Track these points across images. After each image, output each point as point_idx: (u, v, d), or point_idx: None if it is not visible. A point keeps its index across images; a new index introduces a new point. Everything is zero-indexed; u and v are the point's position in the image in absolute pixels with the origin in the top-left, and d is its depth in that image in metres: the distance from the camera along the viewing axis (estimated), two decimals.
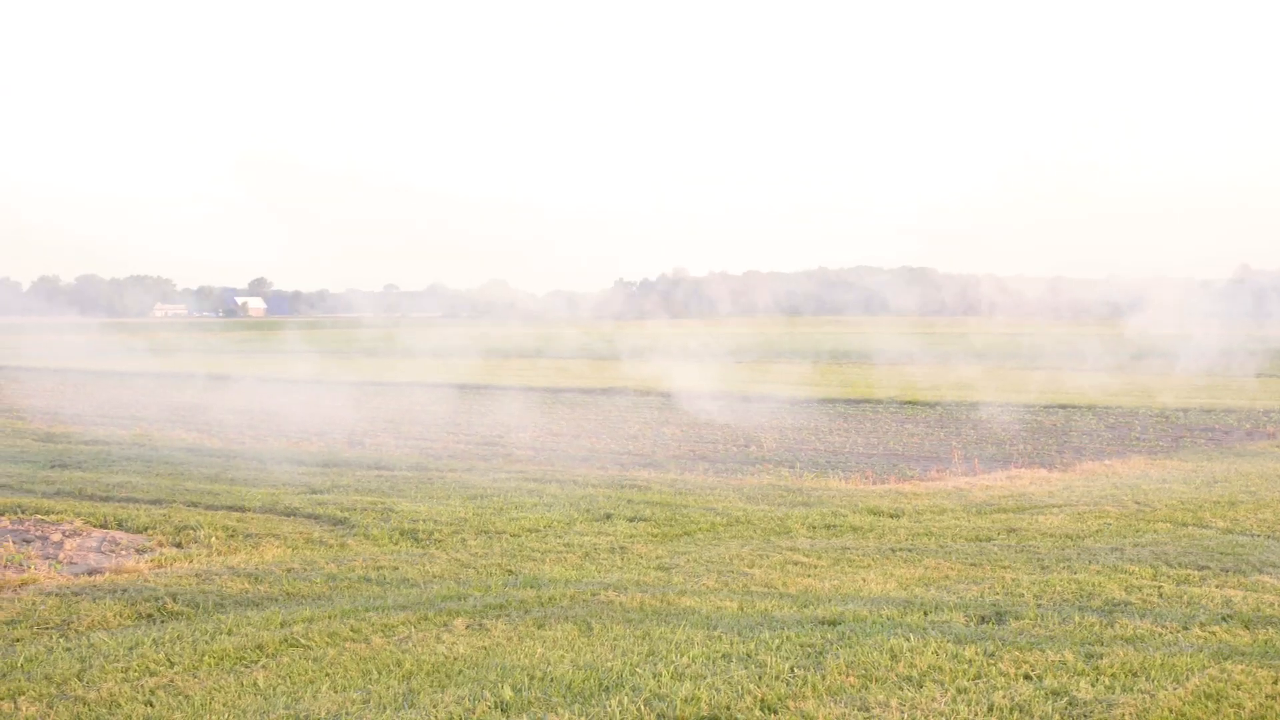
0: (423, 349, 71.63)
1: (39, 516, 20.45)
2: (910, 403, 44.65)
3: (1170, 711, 9.60)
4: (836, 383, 54.43)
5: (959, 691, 10.06)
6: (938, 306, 68.16)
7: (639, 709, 9.68)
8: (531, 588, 14.66)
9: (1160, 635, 11.94)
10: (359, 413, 41.15)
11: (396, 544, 18.28)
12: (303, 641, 12.14)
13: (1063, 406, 42.63)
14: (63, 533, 19.17)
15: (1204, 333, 59.75)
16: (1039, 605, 13.27)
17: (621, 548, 17.63)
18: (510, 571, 15.96)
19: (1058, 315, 62.35)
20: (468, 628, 12.61)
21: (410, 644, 12.01)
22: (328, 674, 11.03)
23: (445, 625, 12.74)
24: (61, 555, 17.48)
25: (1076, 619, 12.56)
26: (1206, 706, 9.73)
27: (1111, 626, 12.26)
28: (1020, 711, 9.57)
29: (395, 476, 25.47)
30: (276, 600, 14.40)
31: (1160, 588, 14.20)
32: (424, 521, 19.77)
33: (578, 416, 40.29)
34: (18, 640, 12.69)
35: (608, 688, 10.31)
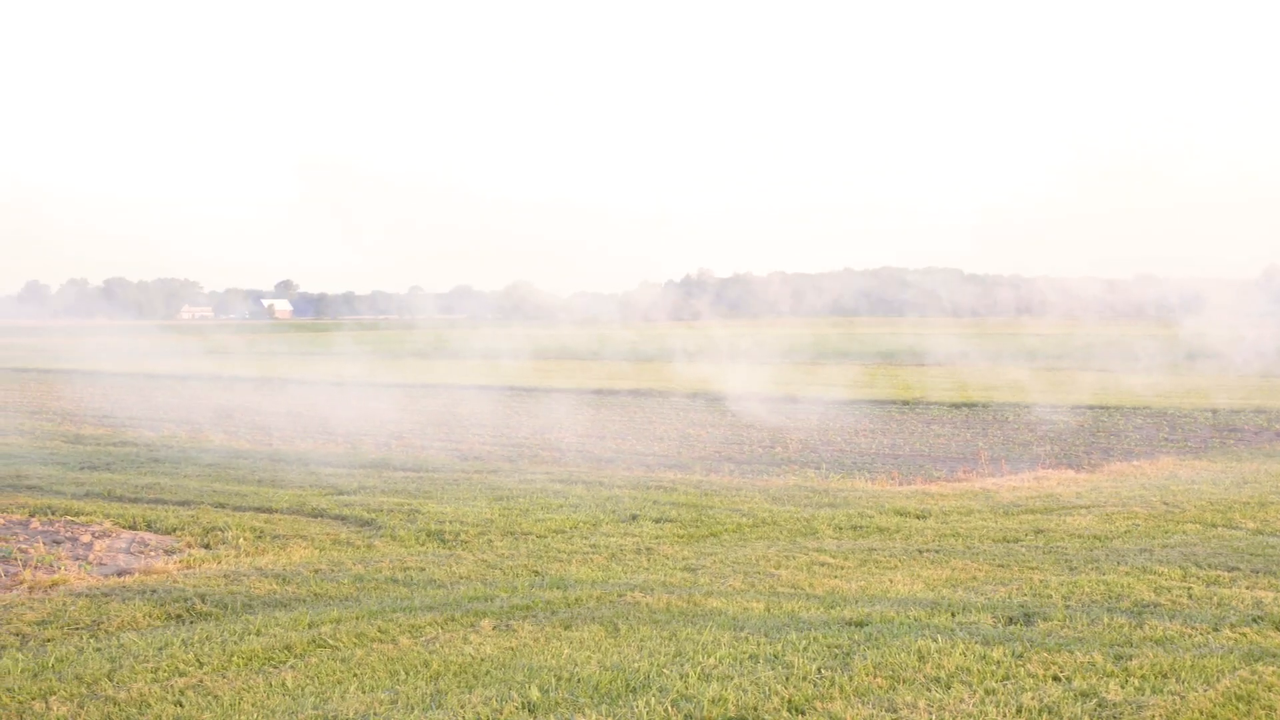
0: (454, 351, 71.74)
1: (69, 518, 20.60)
2: (955, 404, 44.28)
3: (1200, 713, 9.54)
4: (886, 384, 53.83)
5: (987, 693, 10.02)
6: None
7: (666, 710, 9.67)
8: (558, 589, 14.68)
9: (1190, 637, 11.86)
10: (391, 415, 41.24)
11: (423, 545, 18.33)
12: (330, 642, 12.19)
13: (1106, 408, 42.03)
14: (92, 534, 19.30)
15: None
16: (1067, 606, 13.21)
17: (648, 549, 17.64)
18: (537, 573, 15.98)
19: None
20: (495, 629, 12.64)
21: (437, 645, 12.04)
22: (355, 674, 11.07)
23: (472, 626, 12.77)
24: (91, 556, 17.60)
25: (1105, 620, 12.50)
26: (1237, 708, 9.67)
27: (1140, 628, 12.19)
28: (1049, 713, 9.53)
29: (422, 478, 25.55)
30: (304, 601, 14.46)
31: (1190, 589, 14.11)
32: (450, 523, 19.82)
33: (603, 418, 40.30)
34: (49, 640, 12.78)
35: (635, 689, 10.31)
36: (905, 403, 45.17)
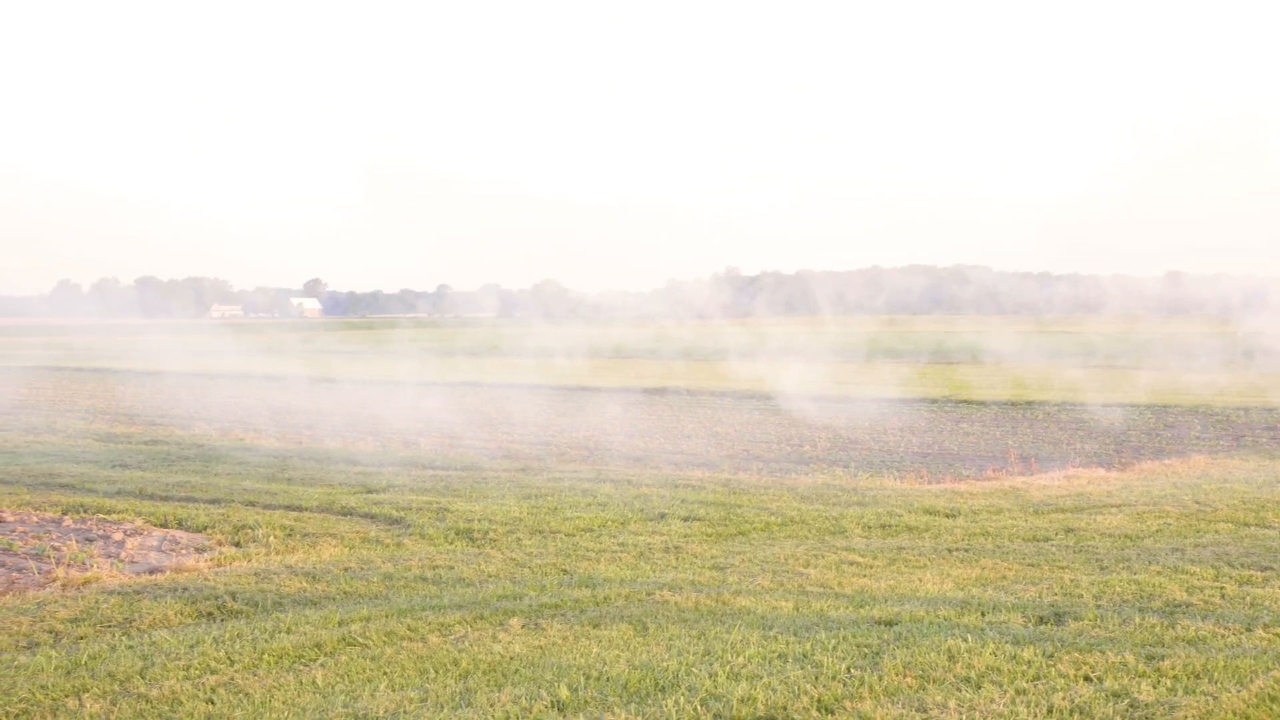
0: (490, 349, 71.61)
1: (101, 515, 20.75)
2: (1001, 403, 43.74)
3: (1234, 714, 9.46)
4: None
5: (1018, 693, 9.97)
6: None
7: (695, 709, 9.67)
8: (586, 587, 14.69)
9: (1223, 637, 11.77)
10: (424, 412, 41.37)
11: (452, 543, 18.38)
12: (360, 640, 12.23)
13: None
14: (124, 532, 19.44)
15: None
16: (1098, 606, 13.14)
17: (676, 547, 17.63)
18: (565, 571, 16.00)
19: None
20: (523, 627, 12.66)
21: (467, 643, 12.07)
22: (385, 672, 11.11)
23: (501, 624, 12.80)
24: (123, 554, 17.72)
25: (1137, 620, 12.42)
26: (1271, 709, 9.58)
27: (1173, 628, 12.11)
28: (1080, 713, 9.47)
29: (451, 475, 25.61)
30: (334, 599, 14.52)
31: (1222, 589, 14.01)
32: (479, 521, 19.87)
33: (633, 416, 40.32)
34: (81, 638, 12.88)
35: (664, 687, 10.31)
36: (939, 401, 44.94)
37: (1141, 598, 13.62)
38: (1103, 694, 9.87)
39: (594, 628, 12.58)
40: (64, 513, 21.14)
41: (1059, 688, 10.07)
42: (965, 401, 44.44)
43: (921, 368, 64.26)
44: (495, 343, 75.02)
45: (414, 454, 29.93)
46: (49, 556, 17.39)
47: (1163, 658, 10.91)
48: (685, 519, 20.04)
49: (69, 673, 11.31)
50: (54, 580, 15.82)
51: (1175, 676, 10.37)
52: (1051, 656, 11.00)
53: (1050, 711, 9.52)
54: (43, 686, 10.84)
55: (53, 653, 12.08)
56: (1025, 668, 10.67)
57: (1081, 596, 13.69)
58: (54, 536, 19.00)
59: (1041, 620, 12.54)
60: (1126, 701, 9.69)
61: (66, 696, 10.56)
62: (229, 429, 36.27)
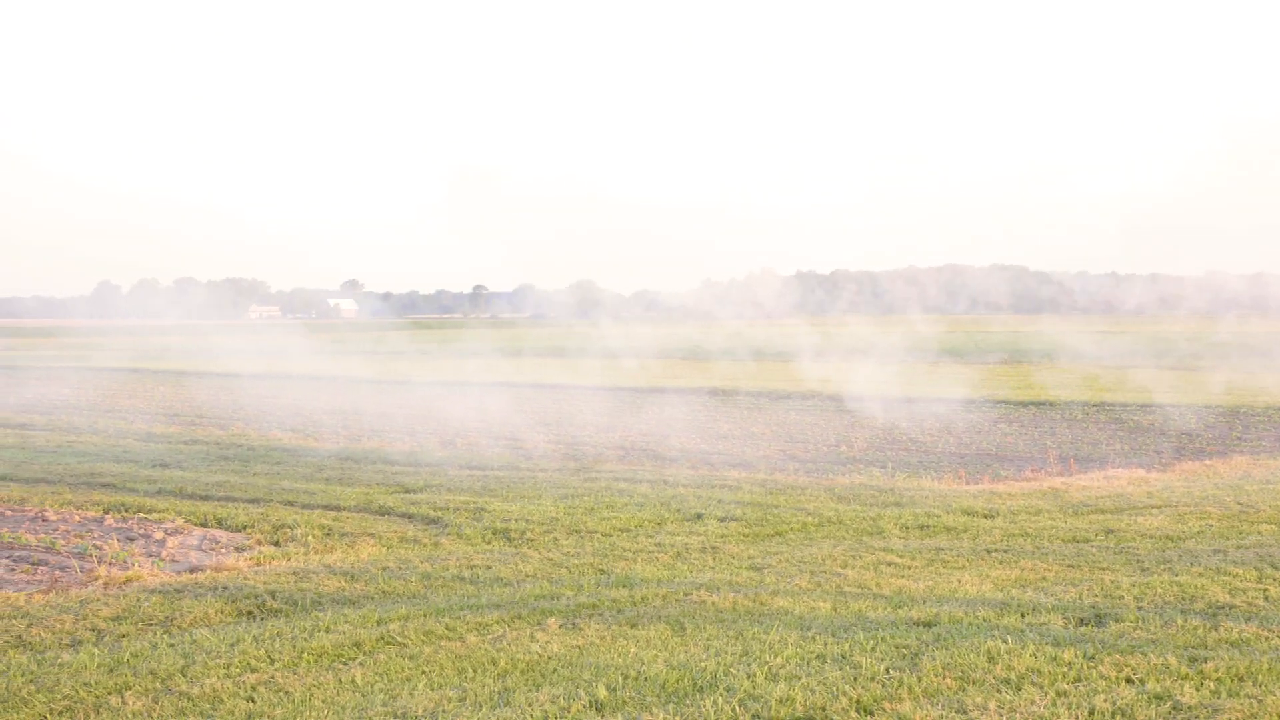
0: (526, 349, 71.62)
1: (142, 515, 20.93)
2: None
3: (1278, 717, 9.36)
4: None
5: (1059, 695, 9.90)
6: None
7: (733, 709, 9.65)
8: (624, 587, 14.69)
9: (1266, 639, 11.65)
10: (457, 413, 41.47)
11: (489, 543, 18.43)
12: (399, 639, 12.28)
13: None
14: (165, 531, 19.59)
15: None
16: (1139, 608, 13.03)
17: (713, 547, 17.62)
18: (602, 571, 16.01)
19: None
20: (561, 627, 12.67)
21: (505, 642, 12.10)
22: (424, 671, 11.15)
23: (539, 624, 12.82)
24: (164, 553, 17.86)
25: (1179, 622, 12.31)
26: None
27: (1215, 630, 11.99)
28: (1122, 716, 9.39)
29: (488, 476, 25.67)
30: (373, 598, 14.59)
31: (1265, 590, 13.87)
32: (516, 521, 19.91)
33: (674, 418, 40.29)
34: (124, 636, 12.99)
35: (702, 688, 10.30)
36: (977, 401, 44.64)
37: (1183, 599, 13.50)
38: (1145, 696, 9.79)
39: (631, 628, 12.58)
40: (106, 512, 21.34)
41: (1100, 690, 9.99)
42: (1004, 402, 44.04)
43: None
44: (555, 343, 74.85)
45: (451, 454, 30.01)
46: (91, 555, 17.57)
47: (1205, 660, 10.80)
48: (722, 519, 20.01)
49: (111, 670, 11.41)
50: (96, 579, 15.96)
51: (1218, 679, 10.27)
52: (1093, 658, 10.92)
53: (1092, 714, 9.44)
54: (86, 684, 10.94)
55: (95, 650, 12.20)
56: (1066, 669, 10.59)
57: (1122, 598, 13.58)
58: (96, 535, 19.18)
59: (1082, 622, 12.45)
60: (1169, 704, 9.60)
61: (109, 694, 10.66)
62: (267, 430, 36.48)
